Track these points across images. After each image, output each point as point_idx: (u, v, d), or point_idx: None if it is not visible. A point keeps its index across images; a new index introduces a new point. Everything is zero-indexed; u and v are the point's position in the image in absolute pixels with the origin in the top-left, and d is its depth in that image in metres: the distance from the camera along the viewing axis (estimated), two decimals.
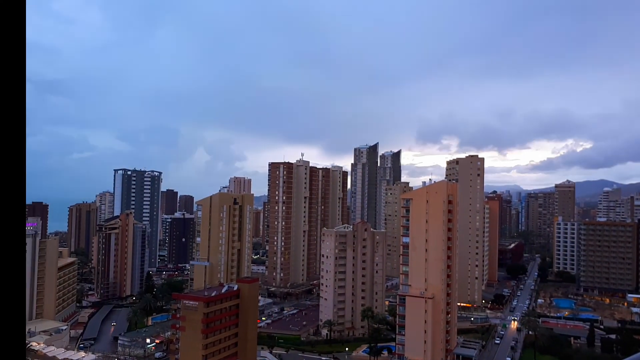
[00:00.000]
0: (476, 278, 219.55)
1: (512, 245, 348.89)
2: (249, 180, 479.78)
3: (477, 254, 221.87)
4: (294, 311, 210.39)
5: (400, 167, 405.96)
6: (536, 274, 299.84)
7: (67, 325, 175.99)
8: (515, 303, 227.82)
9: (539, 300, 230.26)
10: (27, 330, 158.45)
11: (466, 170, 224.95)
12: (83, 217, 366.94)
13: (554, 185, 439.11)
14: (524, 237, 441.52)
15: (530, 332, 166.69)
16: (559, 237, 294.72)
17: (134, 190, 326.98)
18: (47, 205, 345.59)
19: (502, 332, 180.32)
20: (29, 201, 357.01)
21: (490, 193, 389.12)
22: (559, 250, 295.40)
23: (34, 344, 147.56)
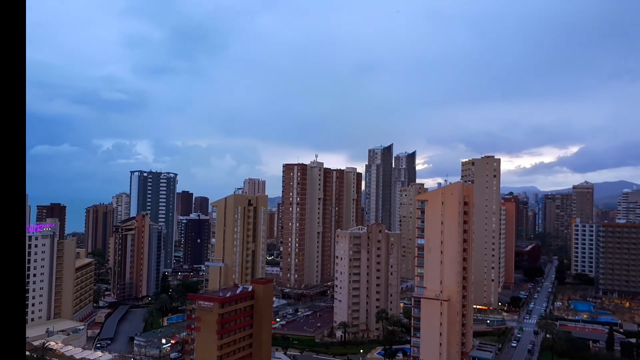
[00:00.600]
0: (492, 280, 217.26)
1: (529, 247, 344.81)
2: (263, 182, 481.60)
3: (493, 255, 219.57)
4: (308, 312, 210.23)
5: (415, 168, 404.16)
6: (554, 276, 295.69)
7: (84, 325, 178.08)
8: (532, 306, 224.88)
9: (557, 303, 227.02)
10: (45, 329, 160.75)
11: (482, 171, 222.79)
12: (100, 218, 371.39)
13: (571, 186, 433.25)
14: (541, 239, 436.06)
15: (548, 335, 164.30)
16: (577, 239, 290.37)
17: (150, 192, 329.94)
18: (65, 206, 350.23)
19: (519, 335, 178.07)
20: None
21: (507, 194, 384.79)
22: (577, 252, 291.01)
23: (52, 343, 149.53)
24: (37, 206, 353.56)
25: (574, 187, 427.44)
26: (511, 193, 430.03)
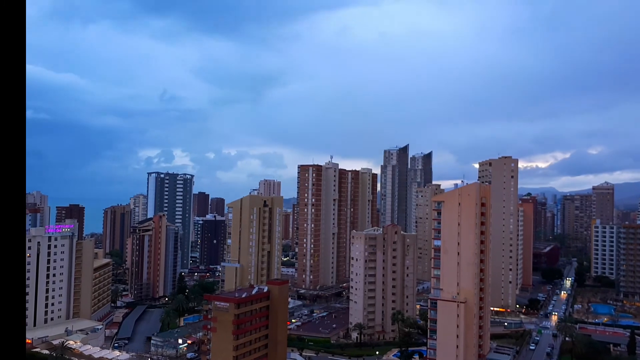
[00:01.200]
0: (510, 282, 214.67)
1: (548, 248, 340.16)
2: (279, 183, 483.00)
3: (510, 257, 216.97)
4: (324, 314, 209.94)
5: (431, 169, 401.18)
6: (573, 278, 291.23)
7: (102, 324, 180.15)
8: (550, 308, 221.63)
9: (577, 306, 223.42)
10: (64, 329, 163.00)
11: (499, 172, 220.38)
12: (118, 219, 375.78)
13: (591, 187, 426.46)
14: (559, 241, 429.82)
15: (567, 339, 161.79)
16: (597, 241, 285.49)
17: (166, 193, 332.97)
18: (84, 207, 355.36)
19: (537, 338, 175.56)
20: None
21: (524, 195, 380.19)
22: (597, 254, 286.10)
23: (71, 342, 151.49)
24: (56, 207, 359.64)
25: (594, 188, 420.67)
26: (529, 194, 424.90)
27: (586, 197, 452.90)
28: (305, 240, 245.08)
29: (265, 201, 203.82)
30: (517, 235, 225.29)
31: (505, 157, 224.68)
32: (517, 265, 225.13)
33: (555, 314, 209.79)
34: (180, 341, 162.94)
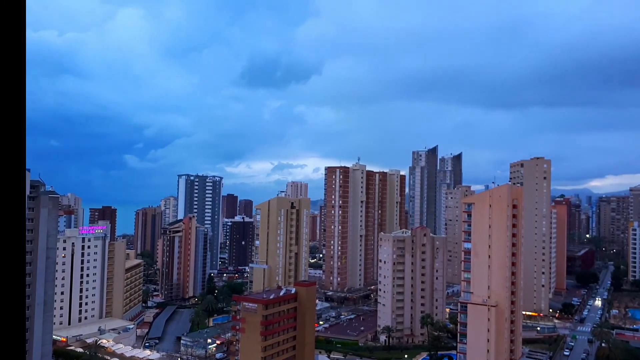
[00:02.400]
0: (543, 286, 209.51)
1: (582, 251, 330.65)
2: (306, 185, 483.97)
3: (543, 260, 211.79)
4: (352, 316, 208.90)
5: (461, 170, 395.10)
6: (609, 282, 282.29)
7: (133, 324, 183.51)
8: (586, 313, 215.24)
9: (613, 311, 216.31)
10: (97, 328, 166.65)
11: (531, 173, 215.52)
12: (149, 220, 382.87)
13: (628, 189, 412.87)
14: (594, 244, 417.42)
15: (603, 345, 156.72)
16: (634, 244, 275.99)
17: (196, 195, 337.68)
18: (116, 209, 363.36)
19: (572, 344, 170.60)
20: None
21: (558, 197, 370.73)
22: (634, 257, 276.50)
23: (103, 341, 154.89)
24: (89, 209, 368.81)
25: (631, 190, 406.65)
26: (562, 196, 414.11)
27: (623, 198, 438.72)
28: (332, 242, 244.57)
29: (292, 203, 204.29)
30: (550, 237, 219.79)
31: (538, 158, 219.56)
32: (550, 268, 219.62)
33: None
34: (209, 341, 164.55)
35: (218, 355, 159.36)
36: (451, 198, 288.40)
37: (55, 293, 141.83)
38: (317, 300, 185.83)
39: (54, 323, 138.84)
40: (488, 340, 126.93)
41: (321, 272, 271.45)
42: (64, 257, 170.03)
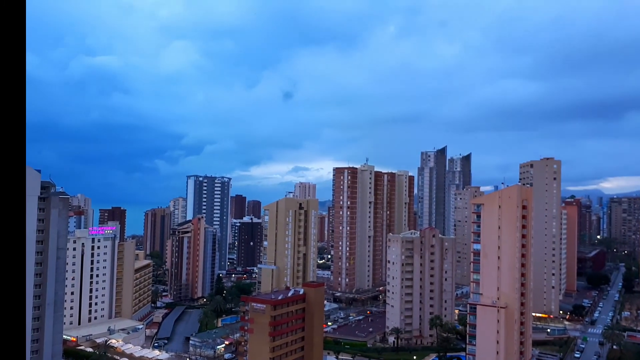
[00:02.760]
0: (553, 287, 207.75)
1: (593, 253, 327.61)
2: (314, 186, 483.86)
3: (553, 261, 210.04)
4: (360, 317, 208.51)
5: (470, 171, 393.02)
6: (620, 284, 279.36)
7: (143, 324, 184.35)
8: (597, 315, 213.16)
9: (625, 313, 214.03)
10: (107, 328, 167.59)
11: (541, 174, 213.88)
12: (158, 221, 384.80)
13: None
14: (606, 245, 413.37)
15: (614, 347, 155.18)
16: None
17: (205, 196, 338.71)
18: (125, 210, 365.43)
19: (583, 346, 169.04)
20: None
21: (568, 198, 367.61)
22: None
23: (113, 341, 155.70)
24: (99, 210, 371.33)
25: None
26: (573, 196, 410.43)
27: (634, 199, 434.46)
28: (340, 243, 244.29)
29: (300, 204, 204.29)
30: (560, 239, 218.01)
31: (547, 159, 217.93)
32: (561, 270, 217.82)
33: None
34: (218, 342, 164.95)
35: (227, 356, 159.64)
36: (460, 199, 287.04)
37: (66, 293, 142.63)
38: (325, 301, 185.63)
39: (64, 323, 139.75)
40: (497, 342, 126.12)
41: (329, 273, 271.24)
42: (74, 257, 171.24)
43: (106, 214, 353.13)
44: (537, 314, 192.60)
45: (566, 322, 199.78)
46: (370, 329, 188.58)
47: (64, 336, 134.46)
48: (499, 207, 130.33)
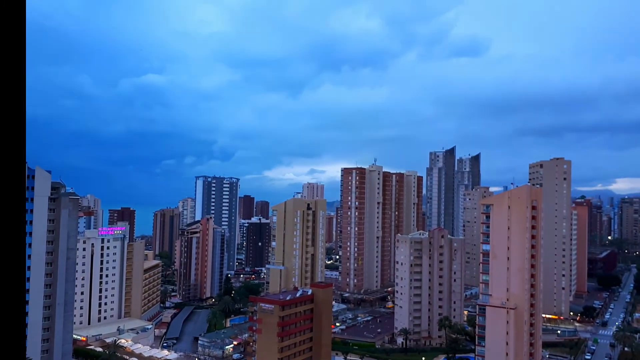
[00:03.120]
0: (563, 288, 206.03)
1: (604, 254, 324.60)
2: (322, 186, 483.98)
3: (564, 262, 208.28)
4: (368, 318, 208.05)
5: (479, 171, 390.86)
6: (632, 285, 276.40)
7: (152, 324, 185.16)
8: (608, 316, 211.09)
9: (636, 315, 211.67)
10: (116, 327, 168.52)
11: (551, 174, 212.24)
12: (167, 221, 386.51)
13: None
14: (617, 246, 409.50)
15: (626, 349, 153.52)
16: None
17: (213, 196, 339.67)
18: (134, 210, 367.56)
19: (593, 347, 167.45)
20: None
21: (578, 198, 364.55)
22: None
23: (122, 340, 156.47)
24: (109, 210, 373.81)
25: None
26: (583, 197, 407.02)
27: None
28: (348, 243, 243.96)
29: (308, 204, 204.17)
30: (571, 239, 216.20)
31: (558, 159, 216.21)
32: (571, 271, 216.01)
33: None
34: (226, 342, 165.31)
35: (235, 356, 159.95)
36: (469, 199, 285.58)
37: (75, 293, 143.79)
38: (333, 302, 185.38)
39: (74, 322, 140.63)
40: (507, 343, 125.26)
41: (337, 273, 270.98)
42: (83, 257, 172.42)
43: (115, 215, 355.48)
44: (547, 316, 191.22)
45: (577, 324, 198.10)
46: (379, 330, 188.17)
47: (74, 336, 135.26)
48: (509, 207, 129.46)
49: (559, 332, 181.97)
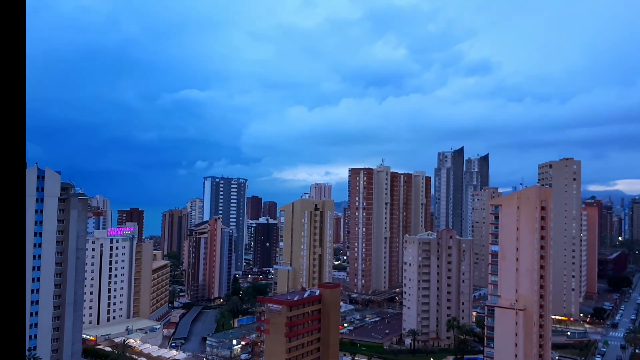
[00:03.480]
0: (573, 290, 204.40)
1: (614, 255, 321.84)
2: (329, 187, 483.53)
3: (573, 263, 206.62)
4: (376, 319, 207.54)
5: (488, 171, 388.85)
6: None
7: (160, 324, 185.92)
8: (618, 318, 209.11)
9: None
10: (125, 327, 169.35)
11: (560, 175, 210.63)
12: (175, 222, 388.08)
13: None
14: (627, 247, 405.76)
15: (637, 351, 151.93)
16: None
17: (221, 197, 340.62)
18: (143, 211, 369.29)
19: (604, 349, 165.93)
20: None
21: (588, 199, 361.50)
22: None
23: (131, 340, 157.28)
24: (117, 211, 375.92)
25: None
26: (593, 197, 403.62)
27: None
28: (356, 244, 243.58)
29: (316, 205, 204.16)
30: (581, 240, 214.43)
31: (567, 159, 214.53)
32: (581, 272, 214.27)
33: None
34: (234, 342, 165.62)
35: (243, 356, 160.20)
36: (478, 200, 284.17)
37: (85, 293, 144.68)
38: (341, 303, 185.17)
39: (84, 322, 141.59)
40: (516, 345, 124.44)
41: (345, 274, 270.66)
42: (92, 257, 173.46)
43: (124, 215, 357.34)
44: (557, 317, 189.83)
45: (587, 325, 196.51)
46: (387, 331, 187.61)
47: (83, 335, 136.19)
48: (518, 208, 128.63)
49: (568, 333, 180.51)
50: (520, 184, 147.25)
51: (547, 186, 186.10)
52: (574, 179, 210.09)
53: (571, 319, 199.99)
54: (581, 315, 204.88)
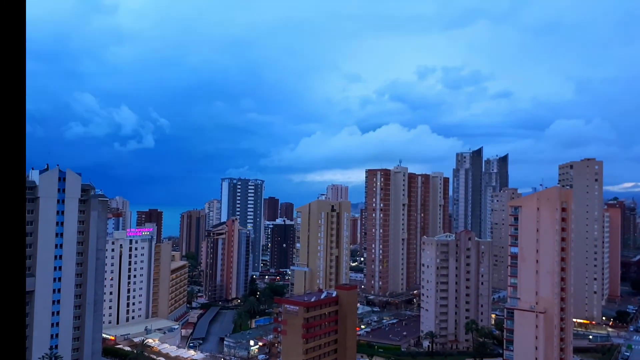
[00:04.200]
0: (594, 292, 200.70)
1: (638, 257, 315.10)
2: (346, 188, 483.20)
3: (595, 266, 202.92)
4: (394, 321, 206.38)
5: (507, 172, 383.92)
6: None
7: (178, 324, 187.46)
8: None
9: None
10: (144, 327, 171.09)
11: (581, 175, 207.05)
12: (193, 223, 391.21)
13: None
14: None
15: None
16: None
17: (239, 198, 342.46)
18: (162, 212, 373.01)
19: (627, 354, 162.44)
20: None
21: (611, 200, 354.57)
22: None
23: (150, 340, 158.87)
24: (137, 212, 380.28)
25: None
26: (616, 198, 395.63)
27: None
28: (373, 245, 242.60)
29: (332, 206, 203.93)
30: (603, 242, 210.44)
31: (589, 160, 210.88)
32: (603, 274, 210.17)
33: None
34: (251, 343, 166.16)
35: (260, 357, 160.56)
36: (497, 201, 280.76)
37: (104, 293, 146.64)
38: (358, 304, 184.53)
39: (103, 322, 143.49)
40: (536, 348, 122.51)
41: (362, 275, 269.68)
42: (112, 258, 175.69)
43: (143, 216, 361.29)
44: (578, 320, 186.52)
45: (609, 329, 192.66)
46: (404, 333, 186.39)
47: (103, 335, 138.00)
48: (538, 209, 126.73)
49: (590, 337, 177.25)
50: (540, 184, 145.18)
51: (567, 187, 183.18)
52: (596, 180, 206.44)
53: (593, 322, 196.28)
54: (603, 318, 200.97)
